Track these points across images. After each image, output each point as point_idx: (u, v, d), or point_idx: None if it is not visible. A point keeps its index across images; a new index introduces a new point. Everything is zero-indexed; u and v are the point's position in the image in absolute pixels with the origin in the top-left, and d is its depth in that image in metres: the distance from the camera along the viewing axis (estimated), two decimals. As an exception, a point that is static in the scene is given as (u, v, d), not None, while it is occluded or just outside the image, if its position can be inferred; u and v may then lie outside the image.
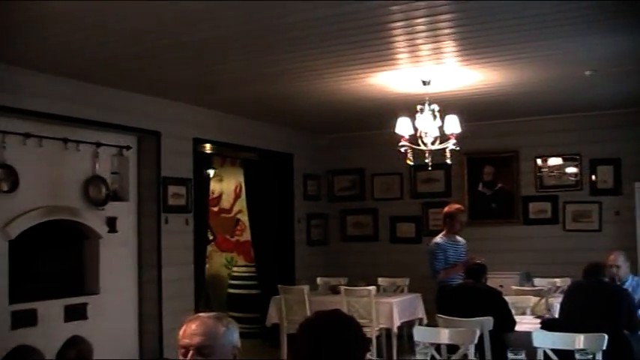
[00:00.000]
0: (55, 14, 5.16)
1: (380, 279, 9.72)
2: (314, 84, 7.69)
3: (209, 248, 11.54)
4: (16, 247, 6.96)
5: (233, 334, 2.92)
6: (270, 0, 4.94)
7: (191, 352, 2.83)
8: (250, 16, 5.32)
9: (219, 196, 12.90)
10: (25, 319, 6.98)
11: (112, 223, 8.02)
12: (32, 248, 7.26)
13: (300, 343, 2.58)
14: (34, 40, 5.85)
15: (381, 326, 8.43)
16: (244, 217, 12.23)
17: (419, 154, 7.41)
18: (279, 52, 6.37)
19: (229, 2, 4.97)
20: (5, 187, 6.86)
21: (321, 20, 5.42)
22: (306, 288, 8.95)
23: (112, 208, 8.03)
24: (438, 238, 7.86)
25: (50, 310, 7.27)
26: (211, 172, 11.30)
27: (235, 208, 12.88)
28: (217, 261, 12.81)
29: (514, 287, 8.41)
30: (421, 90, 7.38)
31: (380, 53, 6.43)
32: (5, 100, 6.61)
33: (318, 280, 10.08)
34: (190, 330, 2.86)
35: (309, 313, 8.54)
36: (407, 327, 8.86)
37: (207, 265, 10.88)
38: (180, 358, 2.87)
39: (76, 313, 7.52)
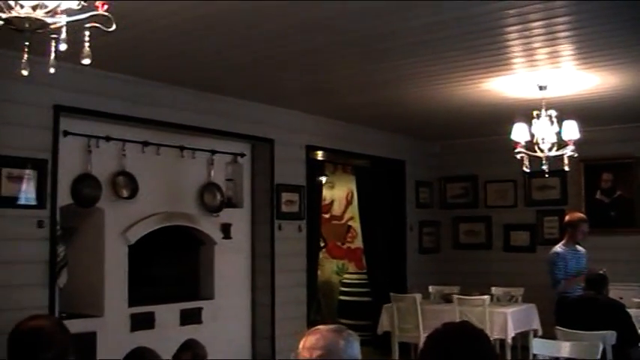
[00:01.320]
0: (172, 27, 5.29)
1: (493, 288, 9.50)
2: (428, 90, 7.62)
3: (320, 255, 11.59)
4: (135, 252, 7.18)
5: (353, 348, 2.83)
6: (385, 7, 4.92)
7: None
8: (364, 24, 5.31)
9: (331, 203, 12.94)
10: (143, 322, 7.19)
11: (226, 230, 8.16)
12: (150, 253, 7.47)
13: (428, 355, 2.51)
14: (152, 51, 6.02)
15: (495, 337, 8.24)
16: (356, 224, 12.24)
17: (535, 161, 7.24)
18: (393, 58, 6.34)
19: (345, 10, 4.97)
20: (125, 194, 7.09)
21: (435, 26, 5.36)
22: (418, 296, 8.87)
23: (227, 215, 8.17)
24: (558, 248, 7.63)
25: (167, 313, 7.46)
26: (323, 179, 11.35)
27: (346, 215, 12.89)
28: (328, 268, 12.84)
29: (635, 299, 8.06)
30: (537, 95, 7.21)
31: (495, 58, 6.31)
32: (126, 109, 6.83)
33: (430, 288, 9.94)
34: (310, 343, 2.80)
35: (421, 322, 8.50)
36: (521, 338, 8.67)
37: (318, 272, 10.92)
38: None
39: (191, 317, 7.68)
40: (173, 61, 6.39)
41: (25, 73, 2.92)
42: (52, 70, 2.91)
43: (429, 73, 6.89)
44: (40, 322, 3.09)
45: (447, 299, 9.08)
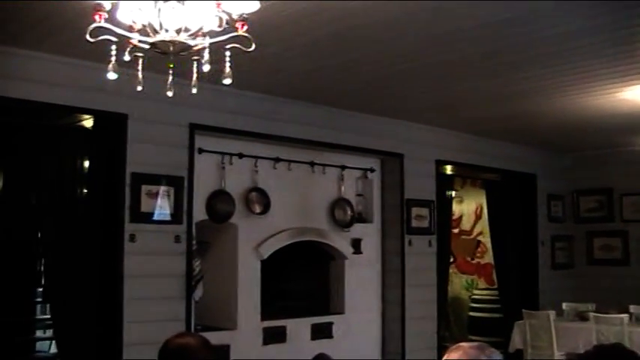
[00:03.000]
0: (305, 45, 5.38)
1: (632, 306, 9.07)
2: (561, 101, 7.42)
3: (449, 270, 11.45)
4: (267, 267, 7.29)
5: None
6: (520, 17, 4.84)
7: None
8: (498, 35, 5.23)
9: (460, 218, 12.77)
10: (275, 336, 7.31)
11: (356, 245, 8.20)
12: (281, 268, 7.58)
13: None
14: (284, 69, 6.14)
15: (636, 357, 7.91)
16: (485, 239, 12.04)
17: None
18: (526, 69, 6.21)
19: (479, 22, 4.92)
20: (258, 210, 7.23)
21: (571, 34, 5.22)
22: (551, 313, 8.62)
23: (357, 230, 8.21)
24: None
25: (298, 328, 7.55)
26: (453, 193, 11.23)
27: (476, 230, 12.70)
28: (458, 283, 12.66)
29: None
30: (679, 104, 6.93)
31: (634, 66, 6.06)
32: (258, 126, 6.98)
33: (564, 305, 9.65)
34: None
35: (554, 340, 8.27)
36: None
37: (448, 288, 10.80)
38: None
39: (322, 332, 7.75)
40: (304, 79, 6.49)
41: (170, 94, 3.04)
42: (194, 91, 3.01)
43: (563, 83, 6.72)
44: (186, 340, 3.17)
45: (582, 317, 8.80)
